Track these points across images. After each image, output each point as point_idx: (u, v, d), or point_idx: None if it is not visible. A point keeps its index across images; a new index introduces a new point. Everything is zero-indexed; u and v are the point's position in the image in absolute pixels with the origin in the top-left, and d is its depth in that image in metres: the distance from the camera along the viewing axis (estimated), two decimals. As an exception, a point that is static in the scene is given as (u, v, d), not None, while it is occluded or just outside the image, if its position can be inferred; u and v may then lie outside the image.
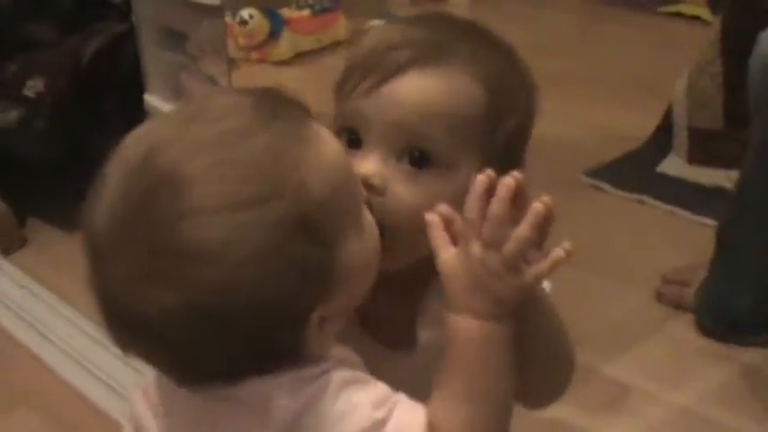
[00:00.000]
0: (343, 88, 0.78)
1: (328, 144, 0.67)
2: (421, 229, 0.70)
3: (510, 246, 0.66)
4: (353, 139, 0.76)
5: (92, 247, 0.63)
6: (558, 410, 1.48)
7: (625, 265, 1.89)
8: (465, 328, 0.68)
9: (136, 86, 2.09)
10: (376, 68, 0.75)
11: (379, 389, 0.67)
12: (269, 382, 0.64)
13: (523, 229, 0.66)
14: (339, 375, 0.66)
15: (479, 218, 0.67)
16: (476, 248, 0.67)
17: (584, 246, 2.05)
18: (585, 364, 1.59)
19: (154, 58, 2.04)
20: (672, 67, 2.43)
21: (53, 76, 2.16)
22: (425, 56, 0.75)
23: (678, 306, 1.75)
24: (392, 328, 0.81)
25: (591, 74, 2.86)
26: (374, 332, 0.80)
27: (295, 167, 0.63)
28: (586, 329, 1.69)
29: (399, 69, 0.74)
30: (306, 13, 3.23)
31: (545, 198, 0.67)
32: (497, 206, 0.66)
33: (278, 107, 0.66)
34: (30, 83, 2.16)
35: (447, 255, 0.69)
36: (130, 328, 0.63)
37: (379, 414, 0.65)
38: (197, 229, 0.60)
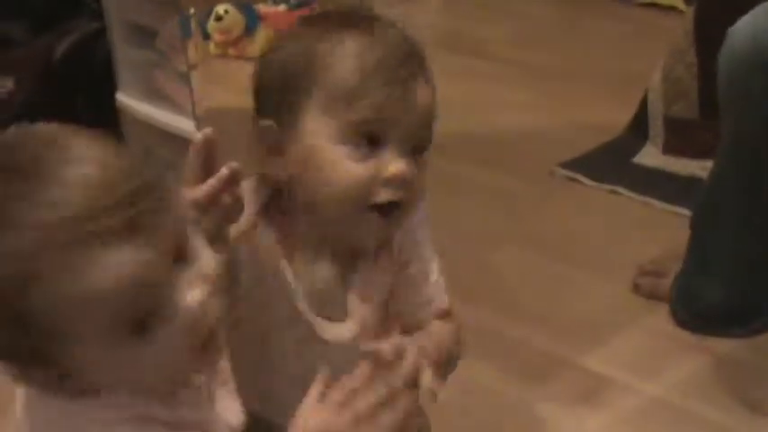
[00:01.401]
0: (356, 100, 0.86)
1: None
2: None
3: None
4: (372, 141, 0.87)
5: None
6: (533, 403, 1.49)
7: (601, 257, 1.89)
8: None
9: (108, 85, 2.08)
10: (396, 79, 0.87)
11: None
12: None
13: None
14: None
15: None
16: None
17: (560, 238, 2.07)
18: (561, 357, 1.60)
19: (125, 56, 2.03)
20: (648, 57, 2.43)
21: (24, 76, 2.15)
22: (420, 67, 0.90)
23: (654, 297, 1.75)
24: (330, 299, 0.95)
25: (567, 66, 2.86)
26: (317, 306, 0.94)
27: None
28: (562, 321, 1.70)
29: (413, 79, 0.89)
30: (282, 8, 3.21)
31: None
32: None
33: None
34: (0, 82, 2.15)
35: None
36: None
37: None
38: None
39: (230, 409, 0.80)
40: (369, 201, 0.87)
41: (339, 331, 0.95)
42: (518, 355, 1.59)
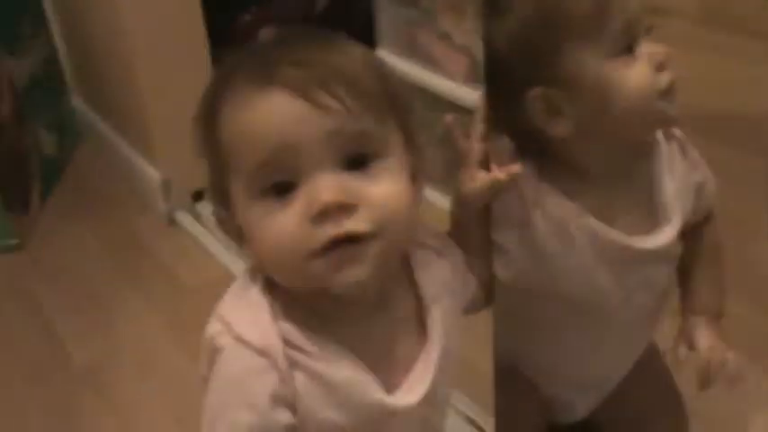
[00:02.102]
0: (610, 14, 0.88)
1: None
2: None
3: None
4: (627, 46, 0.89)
5: None
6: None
7: None
8: None
9: (368, 41, 2.09)
10: None
11: None
12: None
13: None
14: None
15: None
16: None
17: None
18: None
19: (387, 13, 2.02)
20: None
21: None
22: None
23: None
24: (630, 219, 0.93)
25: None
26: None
27: None
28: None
29: None
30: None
31: None
32: None
33: None
34: (264, 32, 2.21)
35: None
36: None
37: None
38: None
39: None
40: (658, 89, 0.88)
41: (659, 239, 0.94)
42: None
